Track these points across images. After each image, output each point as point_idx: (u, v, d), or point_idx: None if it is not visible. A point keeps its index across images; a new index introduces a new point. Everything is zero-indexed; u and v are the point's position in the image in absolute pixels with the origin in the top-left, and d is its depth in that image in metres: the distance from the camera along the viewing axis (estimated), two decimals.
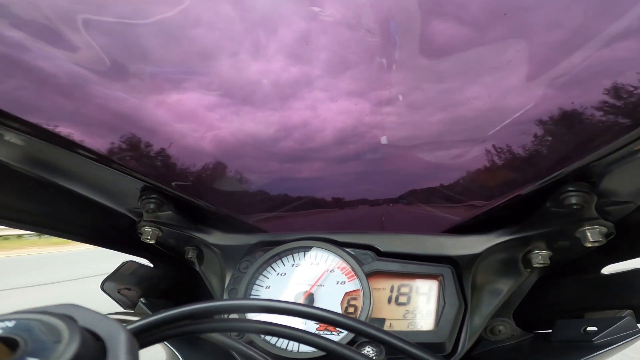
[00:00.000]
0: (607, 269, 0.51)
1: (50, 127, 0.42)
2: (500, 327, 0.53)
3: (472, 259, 0.49)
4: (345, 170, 0.53)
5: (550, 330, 0.50)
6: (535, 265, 0.47)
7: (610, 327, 0.42)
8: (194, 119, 0.48)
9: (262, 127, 0.49)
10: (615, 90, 0.35)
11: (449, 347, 0.47)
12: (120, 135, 0.46)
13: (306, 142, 0.50)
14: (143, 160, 0.49)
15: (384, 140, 0.49)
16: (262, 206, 0.56)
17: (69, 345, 0.16)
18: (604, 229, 0.42)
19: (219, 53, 0.45)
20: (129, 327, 0.25)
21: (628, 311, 0.46)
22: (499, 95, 0.43)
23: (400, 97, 0.45)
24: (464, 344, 0.48)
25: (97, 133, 0.47)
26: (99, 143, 0.46)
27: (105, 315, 0.20)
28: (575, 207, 0.41)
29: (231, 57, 0.45)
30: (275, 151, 0.51)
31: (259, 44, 0.44)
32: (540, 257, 0.46)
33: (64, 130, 0.43)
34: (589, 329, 0.45)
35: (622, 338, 0.41)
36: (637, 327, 0.42)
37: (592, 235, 0.42)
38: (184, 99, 0.47)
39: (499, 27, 0.39)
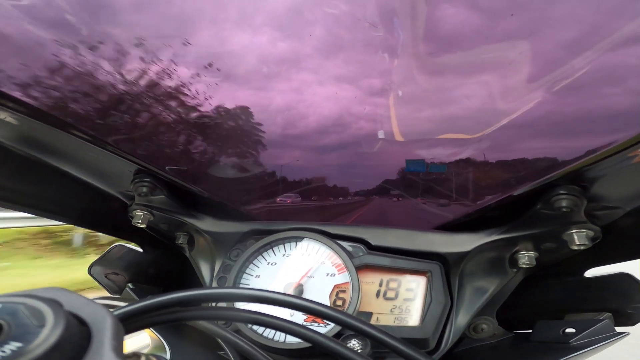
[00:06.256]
0: (590, 272, 0.52)
1: (42, 107, 0.41)
2: (483, 326, 0.54)
3: (461, 256, 0.49)
4: (331, 161, 0.51)
5: (531, 331, 0.51)
6: (521, 266, 0.47)
7: (588, 329, 0.43)
8: (170, 92, 0.45)
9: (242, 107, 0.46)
10: (613, 97, 0.35)
11: (432, 344, 0.48)
12: (107, 113, 0.44)
13: (288, 128, 0.47)
14: (136, 142, 0.48)
15: (380, 134, 0.48)
16: (254, 194, 0.56)
17: (53, 330, 0.16)
18: (591, 233, 0.43)
19: (200, 18, 0.40)
20: (115, 312, 0.25)
21: (607, 314, 0.47)
22: (498, 95, 0.42)
23: (394, 88, 0.43)
24: (448, 341, 0.48)
25: (83, 110, 0.44)
26: (91, 123, 0.45)
27: (92, 300, 0.19)
28: (565, 210, 0.41)
29: (213, 24, 0.41)
30: (258, 134, 0.49)
31: (245, 11, 0.40)
32: (526, 257, 0.47)
33: (48, 104, 0.41)
34: (567, 330, 0.46)
35: (598, 340, 0.42)
36: (615, 331, 0.43)
37: (579, 238, 0.42)
38: (158, 70, 0.42)
39: (510, 22, 0.37)
